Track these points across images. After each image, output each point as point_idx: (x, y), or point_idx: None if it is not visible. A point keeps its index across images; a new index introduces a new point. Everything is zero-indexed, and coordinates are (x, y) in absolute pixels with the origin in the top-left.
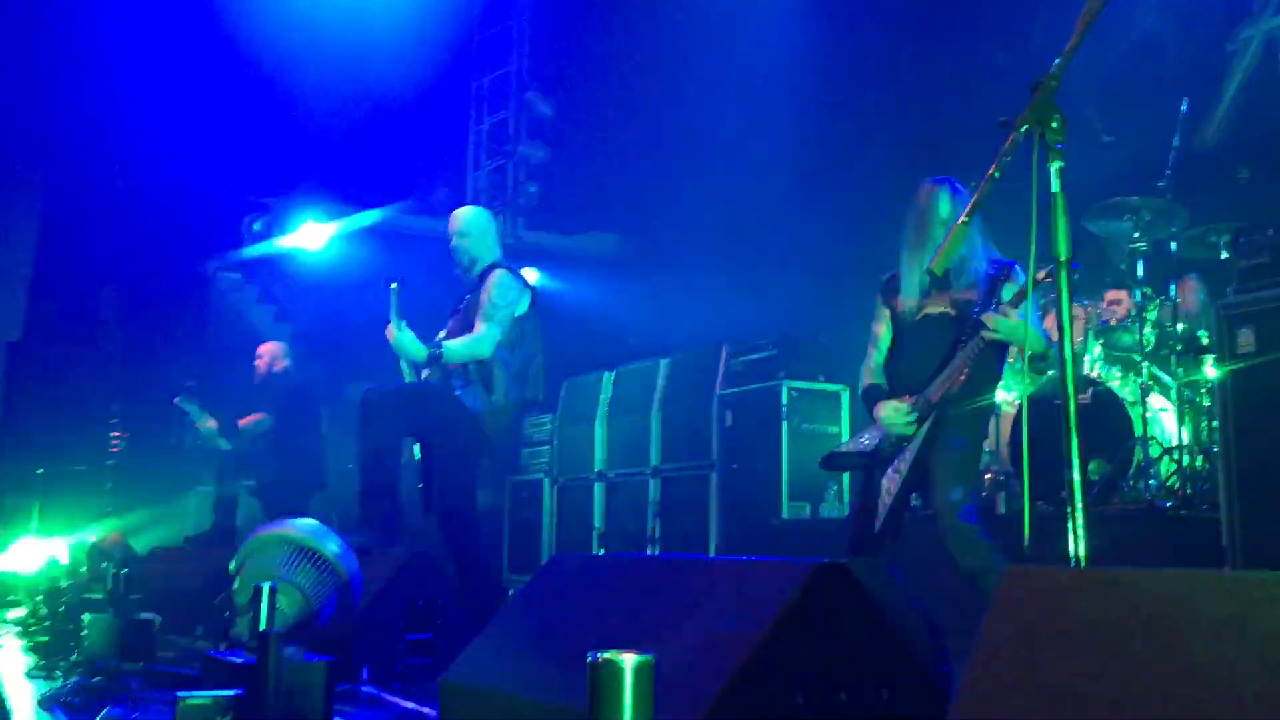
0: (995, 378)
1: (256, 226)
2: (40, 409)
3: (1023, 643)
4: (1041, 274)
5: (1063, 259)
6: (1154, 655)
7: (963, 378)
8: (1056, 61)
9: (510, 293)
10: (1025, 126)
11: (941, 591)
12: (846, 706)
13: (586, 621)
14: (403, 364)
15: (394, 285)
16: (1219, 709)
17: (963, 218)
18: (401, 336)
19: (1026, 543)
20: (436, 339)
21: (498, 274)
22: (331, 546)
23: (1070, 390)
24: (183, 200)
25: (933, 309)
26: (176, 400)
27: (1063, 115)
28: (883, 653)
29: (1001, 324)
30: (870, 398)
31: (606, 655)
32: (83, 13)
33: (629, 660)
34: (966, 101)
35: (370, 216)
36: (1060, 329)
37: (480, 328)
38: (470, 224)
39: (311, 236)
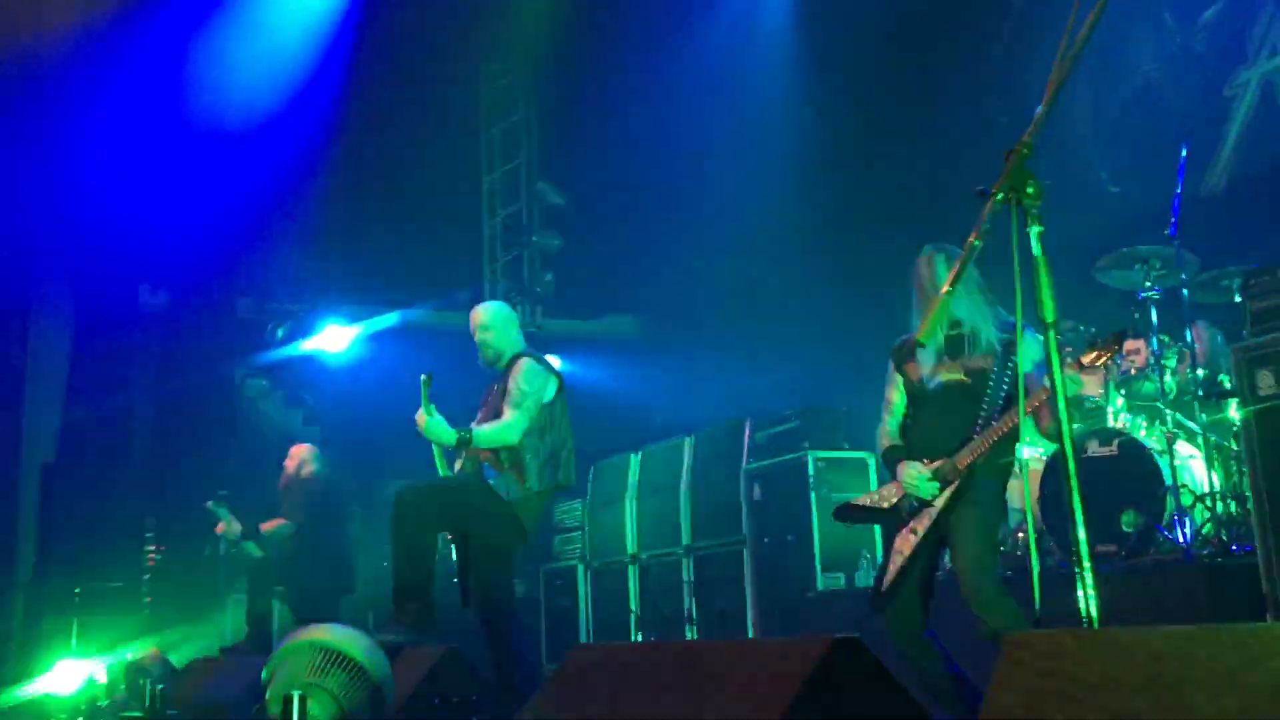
0: (1015, 437)
1: (280, 332)
2: (75, 528)
3: (1027, 707)
4: (1090, 356)
5: (1050, 321)
6: (1156, 713)
7: (988, 447)
8: (1029, 128)
9: (536, 379)
10: (1001, 194)
11: (965, 653)
12: None
13: (606, 713)
14: (436, 456)
15: (424, 377)
16: None
17: (945, 288)
18: (432, 423)
19: (1037, 605)
20: (470, 426)
21: (524, 362)
22: (361, 649)
23: (1068, 450)
24: (207, 310)
25: (947, 376)
26: (209, 505)
27: (1039, 181)
28: None
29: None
30: (891, 458)
31: None
32: (103, 127)
33: None
34: (971, 164)
35: (391, 318)
36: (1053, 391)
37: (508, 414)
38: (492, 318)
39: (334, 339)
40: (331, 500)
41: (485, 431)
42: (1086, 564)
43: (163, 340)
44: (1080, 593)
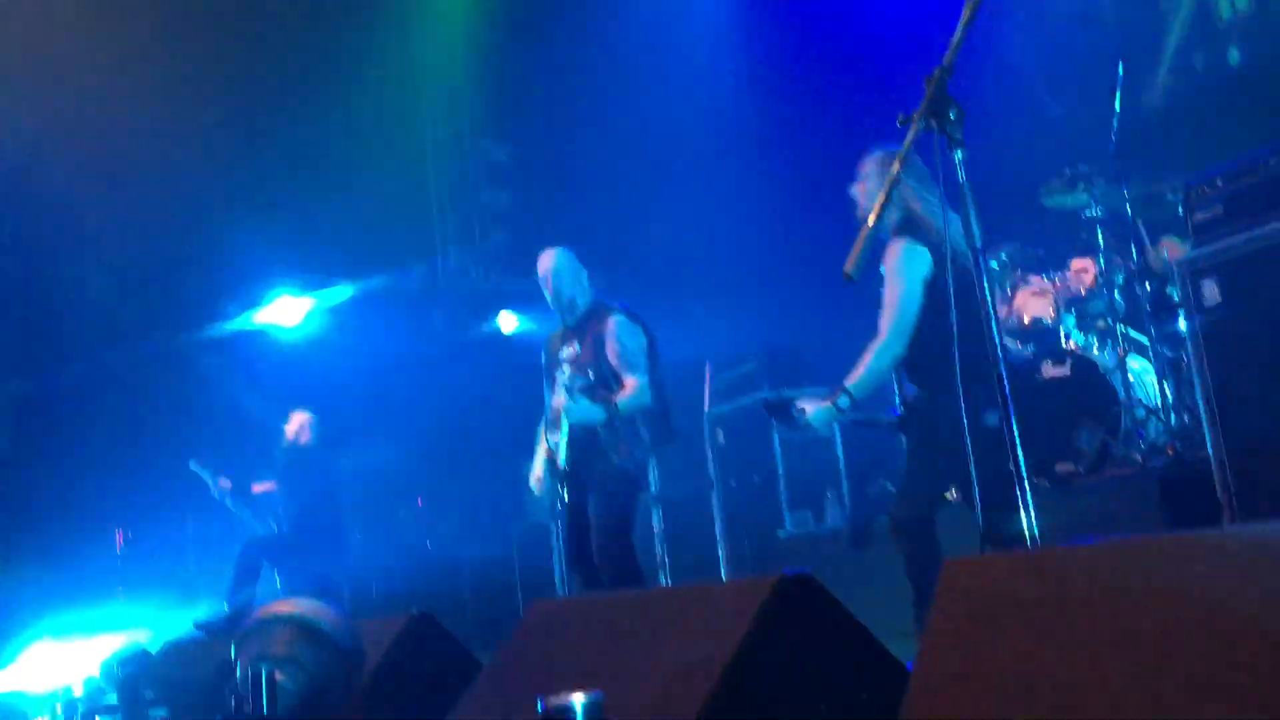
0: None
1: (230, 306)
2: (39, 513)
3: (967, 631)
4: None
5: (978, 246)
6: (1096, 630)
7: None
8: (946, 52)
9: (637, 334)
10: (923, 120)
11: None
12: (827, 714)
13: (564, 664)
14: (551, 437)
15: (586, 379)
16: (1158, 673)
17: (871, 219)
18: (576, 405)
19: (981, 526)
20: (577, 390)
21: (616, 320)
22: (329, 621)
23: (1003, 372)
24: (153, 285)
25: None
26: (191, 464)
27: (959, 106)
28: (856, 654)
29: None
30: None
31: (555, 700)
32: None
33: (579, 701)
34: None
35: (344, 291)
36: (986, 317)
37: (633, 378)
38: (560, 266)
39: (287, 311)
40: (326, 470)
41: (626, 401)
42: (1026, 486)
43: (109, 318)
44: (1022, 514)
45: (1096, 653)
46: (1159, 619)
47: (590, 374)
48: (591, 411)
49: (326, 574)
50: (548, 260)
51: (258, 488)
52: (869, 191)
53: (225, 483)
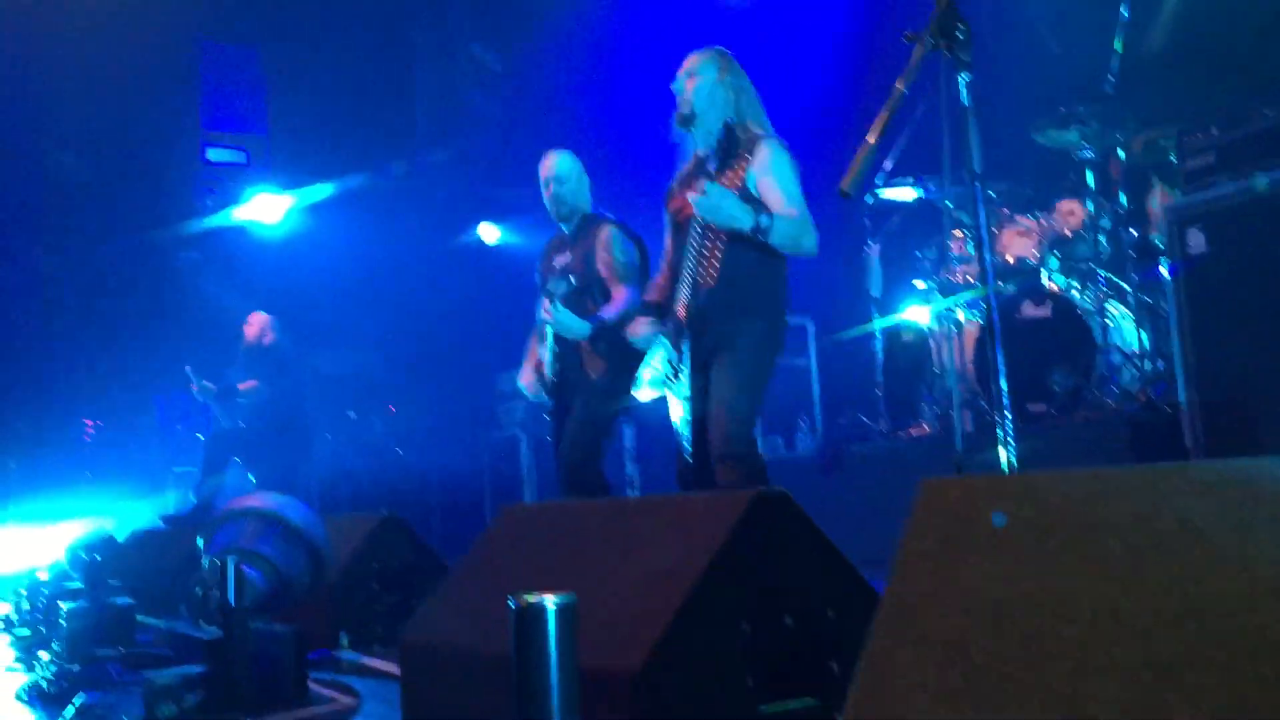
0: None
1: (208, 200)
2: (6, 401)
3: (940, 552)
4: None
5: (976, 172)
6: (1067, 553)
7: None
8: None
9: (630, 248)
10: (931, 39)
11: None
12: (793, 630)
13: (534, 569)
14: (541, 350)
15: (568, 283)
16: (1128, 598)
17: (871, 136)
18: (561, 316)
19: (958, 451)
20: (559, 295)
21: (610, 230)
22: (298, 515)
23: (992, 307)
24: (135, 176)
25: None
26: (186, 369)
27: (968, 25)
28: (827, 573)
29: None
30: None
31: (528, 598)
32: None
33: (550, 602)
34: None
35: (324, 190)
36: (979, 242)
37: (623, 290)
38: (566, 170)
39: (267, 209)
40: (295, 369)
41: (612, 313)
42: (1007, 414)
43: (86, 207)
44: (1000, 442)
45: (1069, 576)
46: (1130, 543)
47: (574, 280)
48: (576, 323)
49: (292, 471)
50: (552, 161)
51: (244, 386)
52: (697, 88)
53: (210, 385)
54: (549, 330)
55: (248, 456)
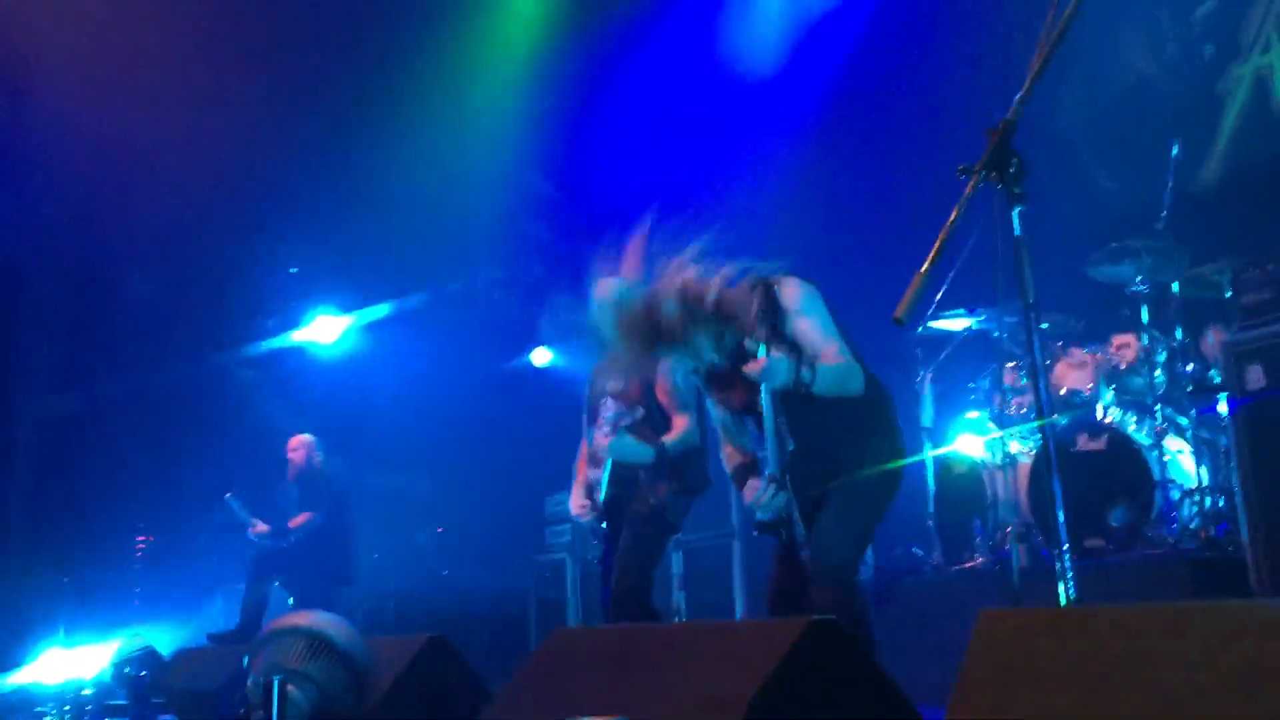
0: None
1: (269, 323)
2: (64, 517)
3: (1000, 682)
4: None
5: (1030, 302)
6: (1129, 688)
7: None
8: (1012, 105)
9: (691, 378)
10: (984, 172)
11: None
12: None
13: (582, 694)
14: (592, 473)
15: (634, 414)
16: None
17: (925, 265)
18: (624, 443)
19: (1016, 587)
20: (624, 426)
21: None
22: (345, 636)
23: (1048, 438)
24: (195, 299)
25: None
26: (227, 497)
27: (1021, 159)
28: (880, 706)
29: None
30: None
31: None
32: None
33: None
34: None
35: (383, 309)
36: (1034, 373)
37: (683, 418)
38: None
39: (324, 330)
40: (342, 491)
41: (674, 441)
42: (1065, 546)
43: (151, 329)
44: (1059, 576)
45: (1131, 713)
46: (1191, 681)
47: (639, 411)
48: (639, 450)
49: (334, 591)
50: (609, 288)
51: (294, 522)
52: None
53: (261, 526)
54: (608, 457)
55: (290, 574)
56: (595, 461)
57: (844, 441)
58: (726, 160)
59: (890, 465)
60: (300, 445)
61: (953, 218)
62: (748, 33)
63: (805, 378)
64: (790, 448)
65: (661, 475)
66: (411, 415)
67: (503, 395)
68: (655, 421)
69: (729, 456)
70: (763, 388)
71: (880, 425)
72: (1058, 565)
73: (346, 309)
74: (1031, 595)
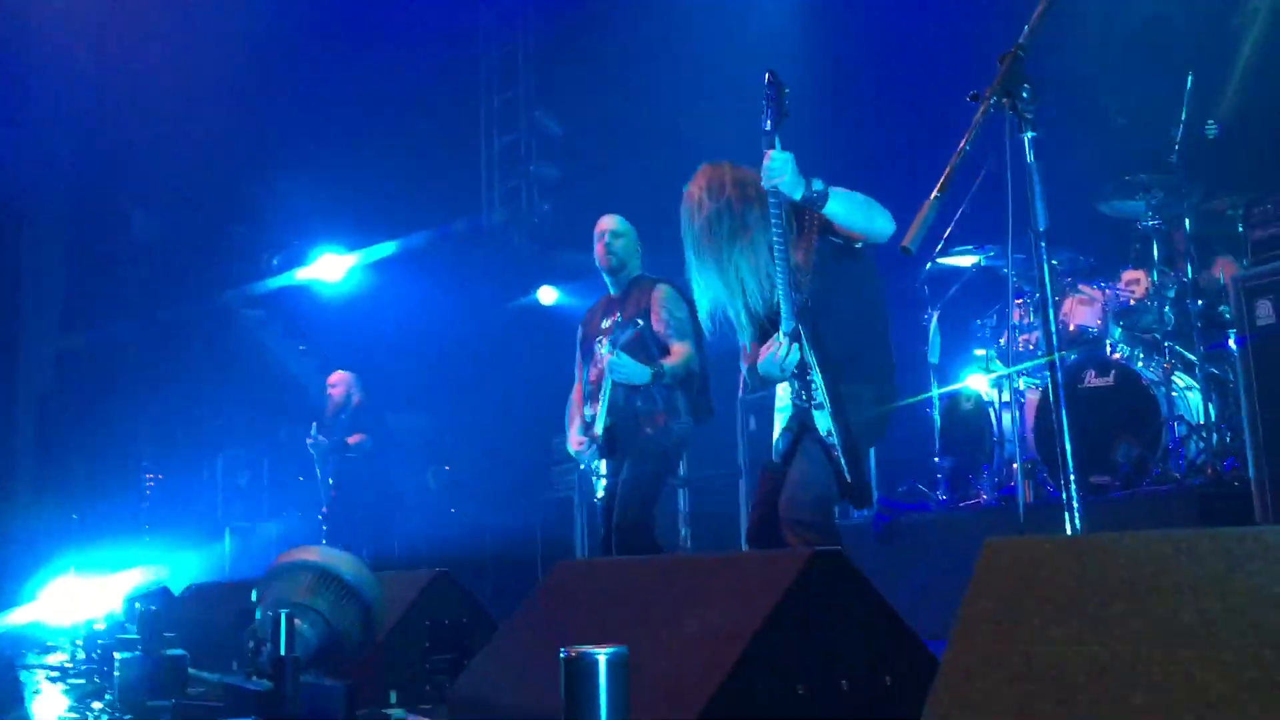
0: None
1: (275, 261)
2: (73, 455)
3: (1003, 613)
4: None
5: (1041, 229)
6: (1134, 617)
7: None
8: (1024, 30)
9: (684, 305)
10: (995, 98)
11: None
12: (849, 694)
13: (585, 625)
14: (588, 409)
15: (634, 326)
16: (1200, 666)
17: (935, 192)
18: (623, 361)
19: (1022, 523)
20: (621, 342)
21: (665, 289)
22: (352, 570)
23: (1056, 373)
24: (200, 237)
25: None
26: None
27: (1032, 83)
28: (884, 637)
29: None
30: None
31: (578, 650)
32: (98, 49)
33: (601, 654)
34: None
35: (388, 248)
36: (1043, 304)
37: (681, 345)
38: (623, 227)
39: (330, 268)
40: (388, 427)
41: (673, 365)
42: (1072, 480)
43: (157, 268)
44: (1065, 512)
45: (1136, 641)
46: (1200, 609)
47: (638, 323)
48: (637, 369)
49: (386, 527)
50: (610, 218)
51: (352, 440)
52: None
53: (323, 439)
54: (606, 383)
55: (331, 507)
56: (591, 397)
57: (848, 359)
58: (734, 93)
59: (878, 412)
60: (340, 381)
61: (963, 144)
62: None
63: (817, 187)
64: (803, 297)
65: (659, 403)
66: (417, 354)
67: (509, 334)
68: (652, 351)
69: (747, 355)
70: (773, 231)
71: (879, 370)
72: (1064, 497)
73: (352, 247)
74: (1037, 531)
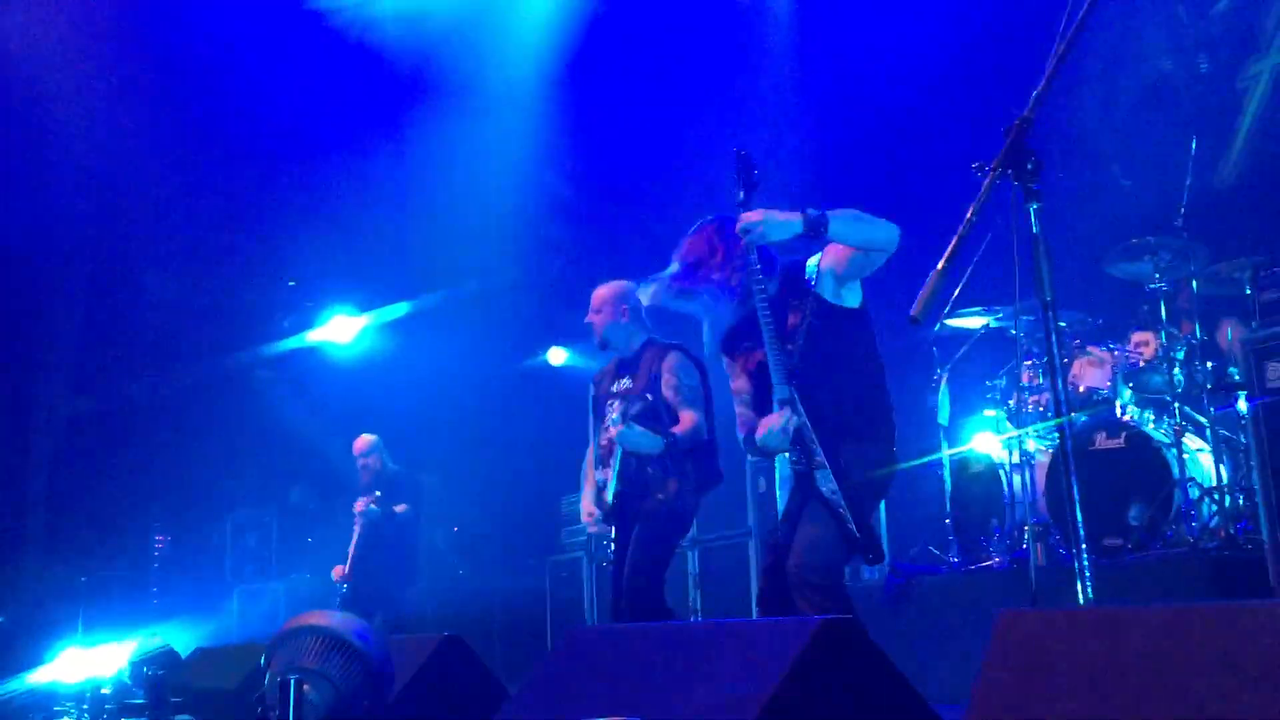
0: None
1: (286, 323)
2: (83, 516)
3: (1018, 683)
4: None
5: (1047, 300)
6: (1148, 690)
7: None
8: (1029, 105)
9: (695, 374)
10: (1000, 169)
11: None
12: None
13: (597, 694)
14: (599, 474)
15: (644, 401)
16: None
17: (941, 263)
18: (634, 433)
19: (1034, 586)
20: (633, 415)
21: (678, 356)
22: (359, 634)
23: (1065, 436)
24: (212, 300)
25: None
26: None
27: (1037, 157)
28: (894, 705)
29: None
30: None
31: None
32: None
33: None
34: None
35: (400, 309)
36: (1052, 370)
37: (691, 413)
38: (610, 296)
39: (341, 330)
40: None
41: (684, 434)
42: (1083, 546)
43: (168, 330)
44: (1077, 577)
45: (1148, 714)
46: (1212, 683)
47: (647, 397)
48: (648, 440)
49: (400, 590)
50: (594, 294)
51: (400, 509)
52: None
53: (375, 506)
54: (618, 450)
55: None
56: (602, 462)
57: (846, 420)
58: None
59: (881, 471)
60: (370, 448)
61: (969, 215)
62: (761, 27)
63: (812, 213)
64: (794, 361)
65: (670, 470)
66: (428, 415)
67: (519, 395)
68: (663, 420)
69: (744, 423)
70: (756, 297)
71: (878, 429)
72: (1076, 564)
73: (363, 309)
74: (1049, 595)
